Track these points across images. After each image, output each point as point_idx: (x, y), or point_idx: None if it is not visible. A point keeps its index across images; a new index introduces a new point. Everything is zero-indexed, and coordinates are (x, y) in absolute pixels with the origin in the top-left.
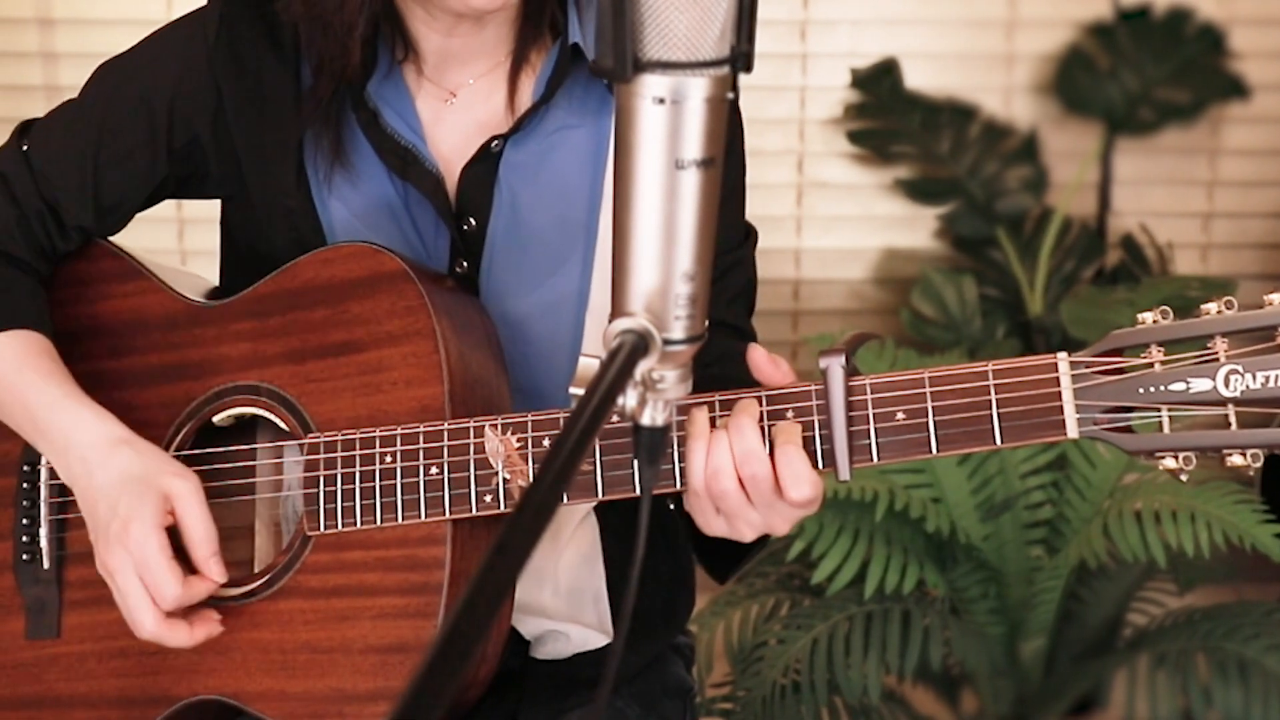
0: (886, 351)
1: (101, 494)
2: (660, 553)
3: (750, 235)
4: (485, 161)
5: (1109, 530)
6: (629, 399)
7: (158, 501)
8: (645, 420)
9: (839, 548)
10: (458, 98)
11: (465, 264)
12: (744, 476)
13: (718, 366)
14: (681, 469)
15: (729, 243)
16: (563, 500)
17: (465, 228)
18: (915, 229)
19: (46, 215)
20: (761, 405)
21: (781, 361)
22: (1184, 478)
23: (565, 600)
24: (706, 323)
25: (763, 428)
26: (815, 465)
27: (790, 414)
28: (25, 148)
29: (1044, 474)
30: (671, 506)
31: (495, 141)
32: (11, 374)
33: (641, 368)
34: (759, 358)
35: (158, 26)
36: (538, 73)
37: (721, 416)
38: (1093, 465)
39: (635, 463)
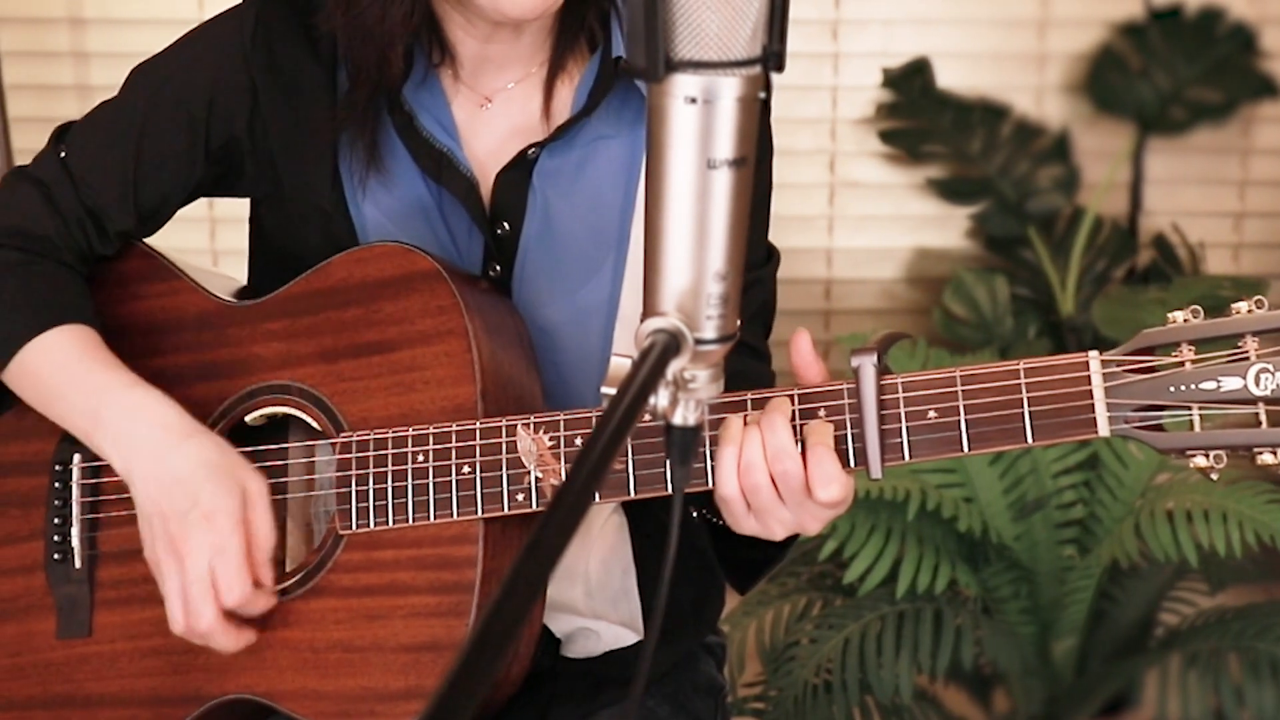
0: (918, 351)
1: (179, 479)
2: (690, 551)
3: (772, 256)
4: (520, 167)
5: (1141, 530)
6: (661, 398)
7: (239, 497)
8: (677, 420)
9: (871, 547)
10: (493, 103)
11: (499, 268)
12: (775, 473)
13: (732, 384)
14: (713, 468)
15: (749, 262)
16: (595, 498)
17: (499, 232)
18: (947, 228)
19: (88, 222)
20: (794, 404)
21: (820, 360)
22: (1214, 476)
23: (596, 598)
24: (738, 322)
25: (794, 427)
26: (847, 464)
27: (822, 412)
28: (63, 154)
29: (1076, 473)
30: (694, 514)
31: (532, 149)
32: (73, 364)
33: (673, 367)
34: (805, 344)
35: (189, 26)
36: (575, 81)
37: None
38: (1124, 465)
39: (668, 461)
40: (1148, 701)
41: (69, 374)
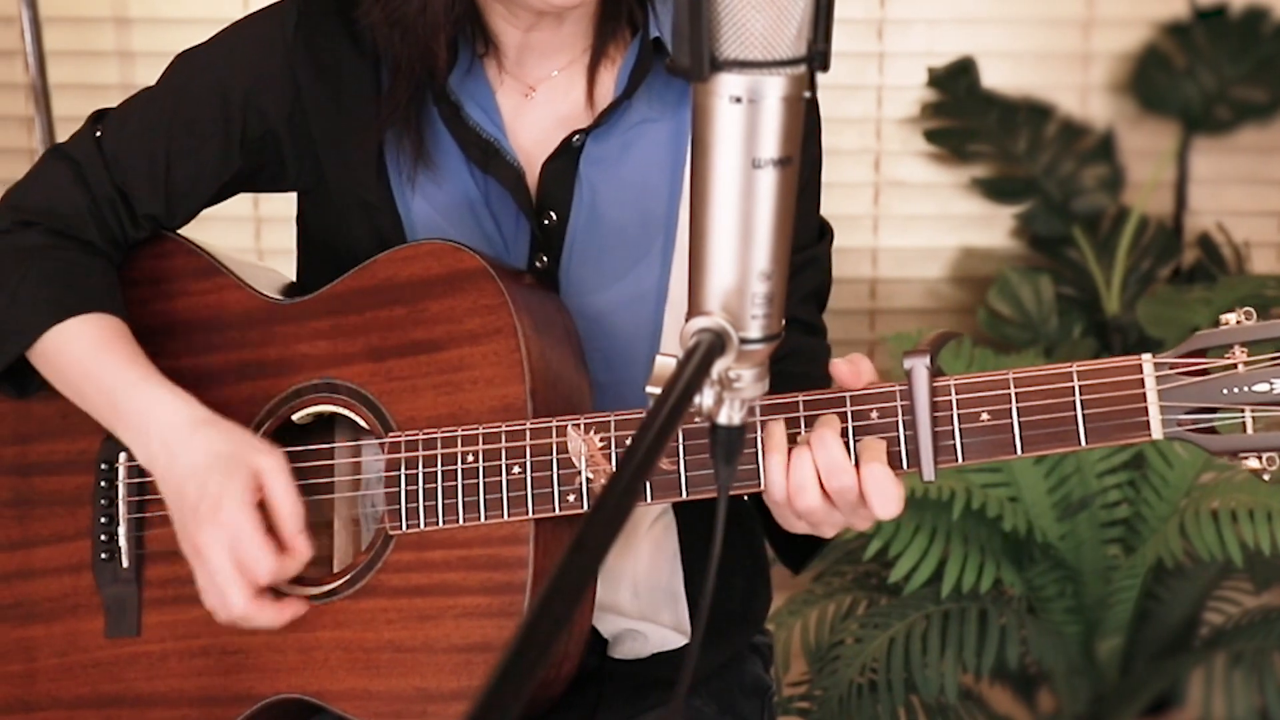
0: (963, 351)
1: (189, 474)
2: (738, 552)
3: (826, 233)
4: (566, 156)
5: (1186, 529)
6: (706, 398)
7: (247, 479)
8: (722, 419)
9: (916, 546)
10: (538, 92)
11: (545, 259)
12: (831, 490)
13: (788, 362)
14: (763, 473)
15: (803, 240)
16: (648, 499)
17: (546, 222)
18: (992, 228)
19: (118, 201)
20: (846, 405)
21: (860, 360)
22: (1266, 477)
23: (643, 600)
24: (783, 321)
25: (847, 443)
26: (899, 466)
27: (875, 414)
28: (99, 134)
29: (1121, 473)
30: (746, 498)
31: (576, 136)
32: (88, 359)
33: (718, 367)
34: (840, 371)
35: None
36: (617, 67)
37: (801, 429)
38: (1170, 464)
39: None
40: (1192, 701)
41: (84, 369)
